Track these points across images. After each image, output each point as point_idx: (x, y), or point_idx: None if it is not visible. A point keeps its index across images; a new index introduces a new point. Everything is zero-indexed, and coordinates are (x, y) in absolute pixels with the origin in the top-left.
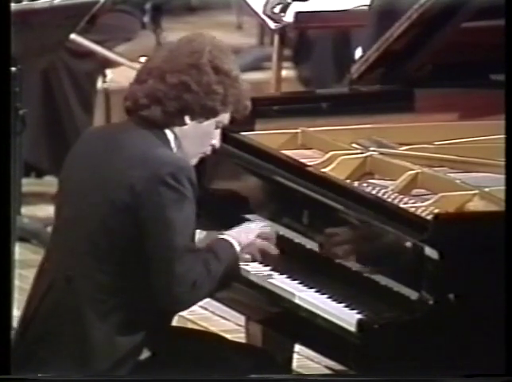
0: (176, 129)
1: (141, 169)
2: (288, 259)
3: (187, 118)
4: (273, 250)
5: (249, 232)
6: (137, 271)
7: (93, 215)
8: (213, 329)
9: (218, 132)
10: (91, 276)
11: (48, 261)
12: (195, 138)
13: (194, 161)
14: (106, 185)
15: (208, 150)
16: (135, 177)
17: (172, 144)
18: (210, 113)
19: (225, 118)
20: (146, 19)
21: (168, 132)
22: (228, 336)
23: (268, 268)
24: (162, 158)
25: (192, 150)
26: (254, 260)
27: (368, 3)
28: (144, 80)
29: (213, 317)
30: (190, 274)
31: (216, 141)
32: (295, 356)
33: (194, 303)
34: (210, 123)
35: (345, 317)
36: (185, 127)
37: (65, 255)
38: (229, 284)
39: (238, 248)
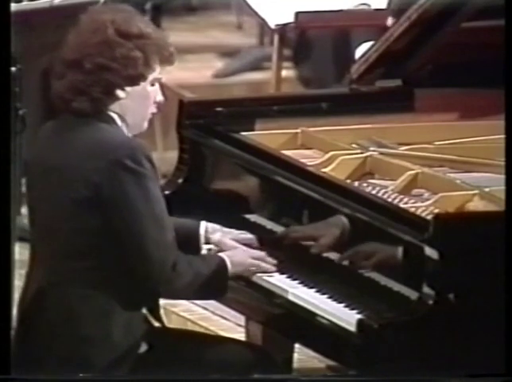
0: (115, 106)
1: (95, 160)
2: (288, 258)
3: (119, 93)
4: (270, 267)
5: (244, 253)
6: (120, 260)
7: (61, 218)
8: (213, 328)
9: (156, 88)
10: (78, 276)
11: (32, 268)
12: (136, 106)
13: (145, 124)
14: (66, 186)
15: (154, 109)
16: (91, 169)
17: (118, 122)
18: (138, 79)
19: (156, 73)
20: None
21: (109, 112)
22: (228, 336)
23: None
24: (114, 143)
25: (139, 117)
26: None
27: (368, 3)
28: (63, 74)
29: (213, 317)
30: (168, 257)
31: (159, 96)
32: (295, 356)
33: (178, 287)
34: (143, 87)
35: (345, 317)
36: (122, 101)
37: (47, 260)
38: (214, 295)
39: (229, 264)
